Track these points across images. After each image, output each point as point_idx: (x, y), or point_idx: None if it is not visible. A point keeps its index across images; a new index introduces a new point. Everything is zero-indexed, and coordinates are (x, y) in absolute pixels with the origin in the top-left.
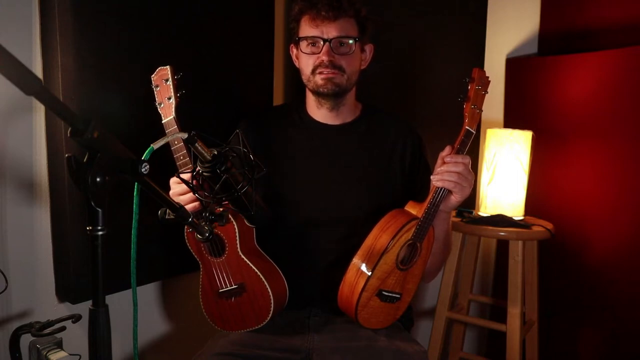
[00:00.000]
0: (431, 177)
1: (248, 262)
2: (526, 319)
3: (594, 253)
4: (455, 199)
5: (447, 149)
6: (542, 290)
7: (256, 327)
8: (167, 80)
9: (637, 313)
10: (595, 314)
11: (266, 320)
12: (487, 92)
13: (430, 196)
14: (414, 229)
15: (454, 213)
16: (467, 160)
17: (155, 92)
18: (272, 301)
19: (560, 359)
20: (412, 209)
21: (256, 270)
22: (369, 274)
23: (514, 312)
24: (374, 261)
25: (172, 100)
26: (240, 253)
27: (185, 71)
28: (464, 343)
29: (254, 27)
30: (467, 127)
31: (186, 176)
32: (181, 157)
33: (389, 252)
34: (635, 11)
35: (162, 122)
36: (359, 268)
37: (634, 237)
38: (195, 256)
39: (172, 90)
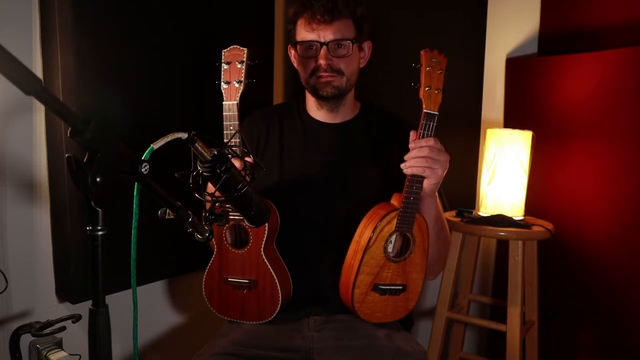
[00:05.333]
0: (401, 165)
1: (267, 263)
2: (526, 319)
3: (594, 253)
4: (429, 182)
5: (412, 135)
6: (542, 290)
7: (254, 322)
8: (241, 62)
9: (638, 313)
10: (595, 313)
11: (267, 320)
12: (444, 70)
13: (405, 185)
14: (395, 220)
15: (454, 212)
16: (431, 142)
17: (222, 70)
18: (279, 305)
19: (560, 359)
20: (396, 200)
21: (273, 273)
22: (356, 270)
23: (514, 312)
24: (359, 258)
25: (241, 85)
26: (262, 252)
27: (185, 71)
28: (464, 343)
29: (254, 27)
30: (425, 110)
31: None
32: (230, 127)
33: (373, 247)
34: (636, 11)
35: (223, 103)
36: (349, 266)
37: (634, 237)
38: (214, 239)
39: (243, 74)
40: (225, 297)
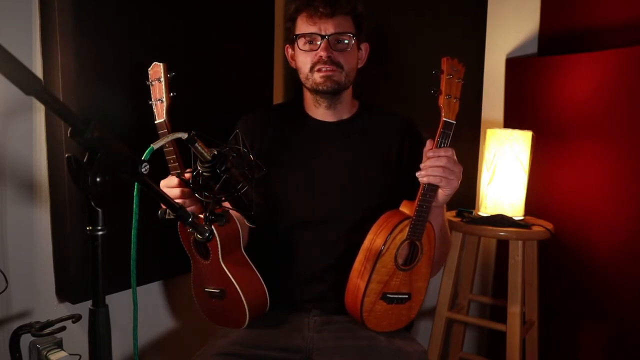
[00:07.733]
0: (417, 174)
1: (228, 272)
2: (526, 319)
3: (594, 253)
4: (443, 192)
5: (429, 144)
6: (542, 290)
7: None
8: (159, 79)
9: (638, 313)
10: (595, 313)
11: (242, 327)
12: (462, 80)
13: (419, 193)
14: (407, 228)
15: (454, 212)
16: (450, 152)
17: (151, 88)
18: (247, 314)
19: (560, 359)
20: (406, 207)
21: (234, 282)
22: (367, 279)
23: (514, 312)
24: (370, 267)
25: (164, 102)
26: (222, 262)
27: (186, 71)
28: (464, 343)
29: (254, 27)
30: (444, 119)
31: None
32: (171, 161)
33: (385, 255)
34: (636, 11)
35: (155, 122)
36: (358, 274)
37: (634, 237)
38: (187, 252)
39: (163, 90)
40: (210, 306)
